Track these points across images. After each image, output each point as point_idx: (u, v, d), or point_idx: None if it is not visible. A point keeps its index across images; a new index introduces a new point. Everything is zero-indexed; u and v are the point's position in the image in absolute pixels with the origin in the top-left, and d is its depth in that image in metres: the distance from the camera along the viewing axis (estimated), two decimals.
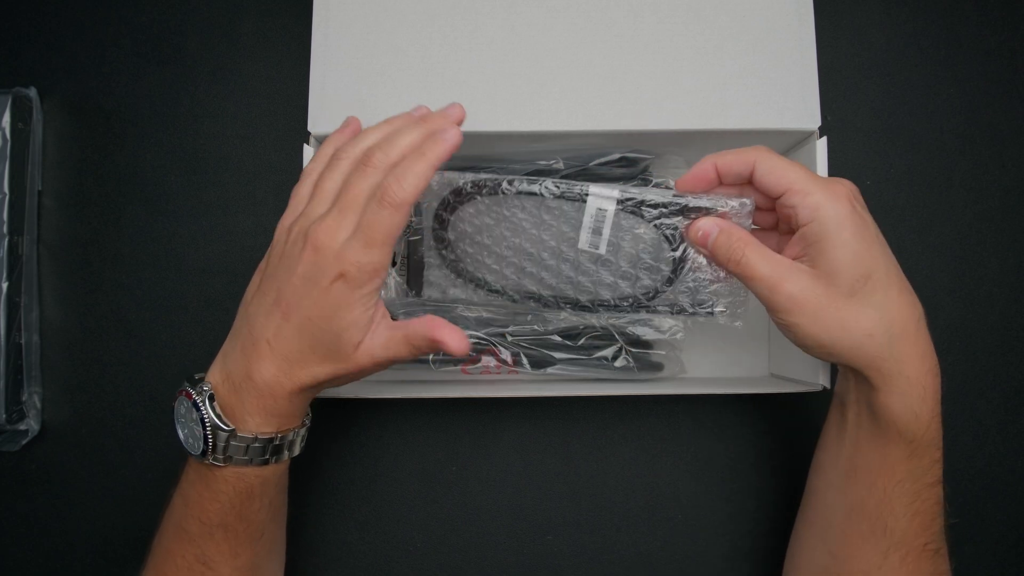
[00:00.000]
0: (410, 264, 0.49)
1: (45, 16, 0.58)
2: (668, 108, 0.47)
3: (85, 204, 0.57)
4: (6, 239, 0.53)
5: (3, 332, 0.52)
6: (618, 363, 0.52)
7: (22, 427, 0.54)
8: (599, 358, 0.52)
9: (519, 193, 0.42)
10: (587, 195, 0.41)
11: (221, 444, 0.38)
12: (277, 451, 0.39)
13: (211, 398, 0.38)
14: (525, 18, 0.48)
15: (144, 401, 0.55)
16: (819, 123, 0.46)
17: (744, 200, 0.40)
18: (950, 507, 0.41)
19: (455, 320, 0.52)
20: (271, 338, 0.37)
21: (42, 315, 0.56)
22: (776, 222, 0.42)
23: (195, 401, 0.38)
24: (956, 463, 0.54)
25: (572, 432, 0.55)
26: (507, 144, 0.50)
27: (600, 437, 0.55)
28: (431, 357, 0.52)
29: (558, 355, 0.52)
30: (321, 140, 0.47)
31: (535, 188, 0.42)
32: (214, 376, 0.39)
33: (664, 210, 0.41)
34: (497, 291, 0.48)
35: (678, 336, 0.52)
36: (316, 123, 0.47)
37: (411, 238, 0.48)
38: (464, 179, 0.43)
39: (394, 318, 0.52)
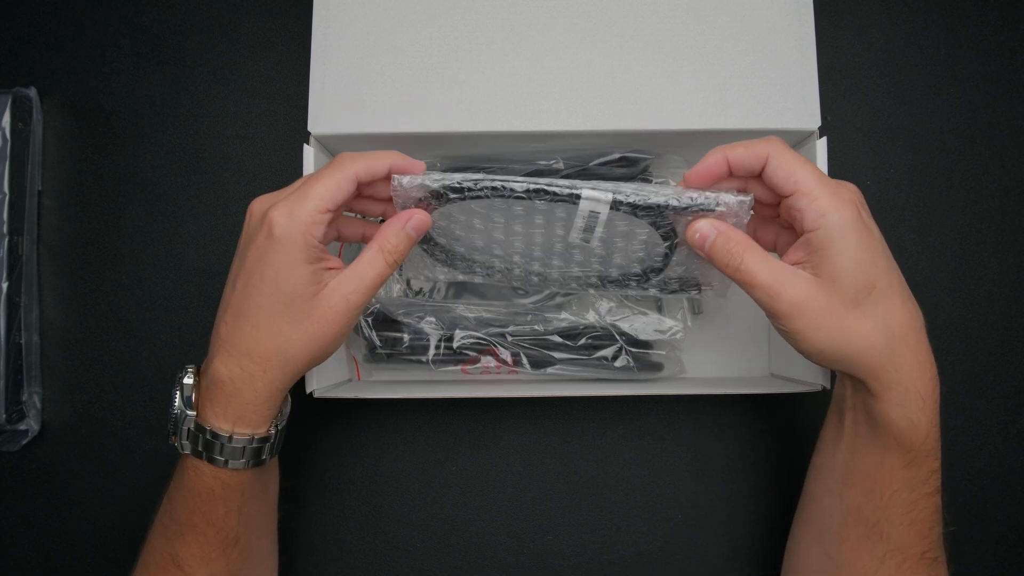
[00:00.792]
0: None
1: (45, 16, 0.58)
2: (668, 108, 0.47)
3: (85, 204, 0.57)
4: (6, 239, 0.53)
5: (3, 332, 0.52)
6: (618, 363, 0.52)
7: (22, 427, 0.54)
8: (599, 358, 0.52)
9: (509, 197, 0.40)
10: (579, 198, 0.39)
11: (183, 428, 0.39)
12: (231, 453, 0.38)
13: (192, 381, 0.40)
14: (525, 18, 0.48)
15: (144, 401, 0.55)
16: (819, 123, 0.46)
17: (743, 198, 0.38)
18: (949, 515, 0.41)
19: (455, 320, 0.52)
20: (228, 319, 0.38)
21: (42, 315, 0.56)
22: (776, 215, 0.41)
23: (179, 377, 0.40)
24: (956, 463, 0.54)
25: (572, 432, 0.55)
26: (507, 144, 0.50)
27: (600, 437, 0.55)
28: (431, 356, 0.52)
29: (558, 355, 0.52)
30: (321, 140, 0.47)
31: (523, 194, 0.39)
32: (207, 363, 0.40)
33: (659, 211, 0.39)
34: (484, 274, 0.48)
35: (678, 336, 0.52)
36: (316, 123, 0.47)
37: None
38: (446, 181, 0.40)
39: (394, 317, 0.52)
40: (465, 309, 0.52)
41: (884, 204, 0.56)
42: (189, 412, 0.39)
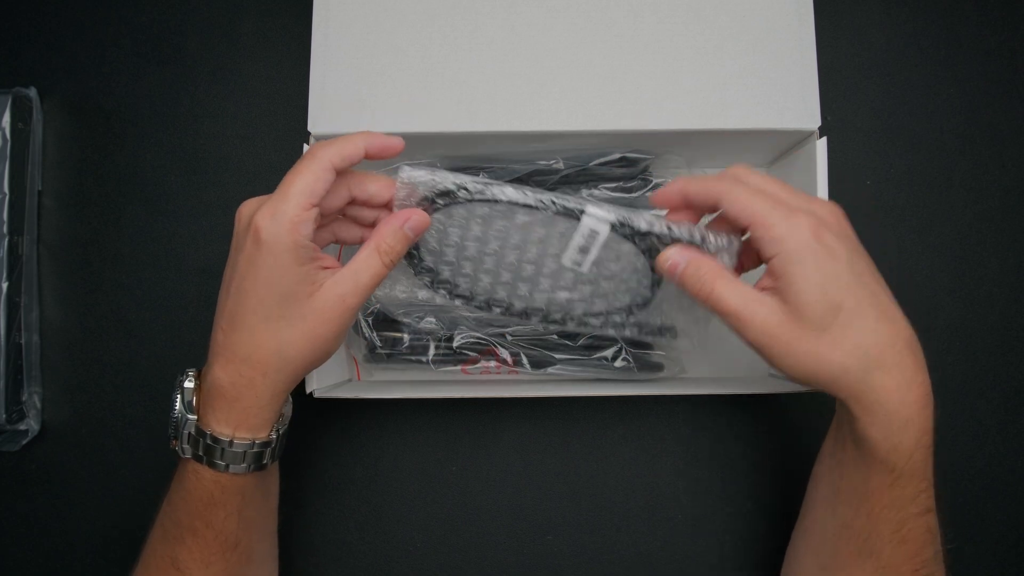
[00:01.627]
0: None
1: (45, 16, 0.58)
2: (668, 108, 0.47)
3: (85, 204, 0.57)
4: (6, 239, 0.53)
5: (3, 332, 0.52)
6: (618, 363, 0.52)
7: (22, 427, 0.54)
8: (599, 358, 0.52)
9: (509, 203, 0.40)
10: (583, 213, 0.39)
11: (184, 432, 0.39)
12: (232, 457, 0.38)
13: (193, 385, 0.39)
14: (525, 18, 0.48)
15: (144, 401, 0.55)
16: (819, 123, 0.46)
17: (731, 238, 0.39)
18: (947, 532, 0.40)
19: (455, 320, 0.52)
20: (224, 326, 0.38)
21: (42, 315, 0.56)
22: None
23: (179, 381, 0.39)
24: (956, 463, 0.54)
25: (572, 432, 0.55)
26: (507, 144, 0.50)
27: (600, 437, 0.55)
28: (431, 356, 0.52)
29: (558, 355, 0.52)
30: (321, 140, 0.47)
31: (530, 201, 0.39)
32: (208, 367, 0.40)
33: (655, 240, 0.39)
34: (464, 296, 0.46)
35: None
36: (316, 123, 0.47)
37: None
38: (458, 181, 0.40)
39: (394, 317, 0.52)
40: (465, 309, 0.52)
41: (884, 204, 0.56)
42: (190, 416, 0.39)
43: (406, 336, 0.52)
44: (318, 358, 0.39)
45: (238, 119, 0.57)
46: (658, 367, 0.53)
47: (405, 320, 0.52)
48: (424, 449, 0.55)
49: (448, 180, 0.39)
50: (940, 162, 0.57)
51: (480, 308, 0.46)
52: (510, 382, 0.52)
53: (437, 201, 0.40)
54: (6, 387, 0.52)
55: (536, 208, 0.39)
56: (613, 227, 0.39)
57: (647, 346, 0.52)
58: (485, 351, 0.52)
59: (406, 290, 0.47)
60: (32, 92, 0.56)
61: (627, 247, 0.40)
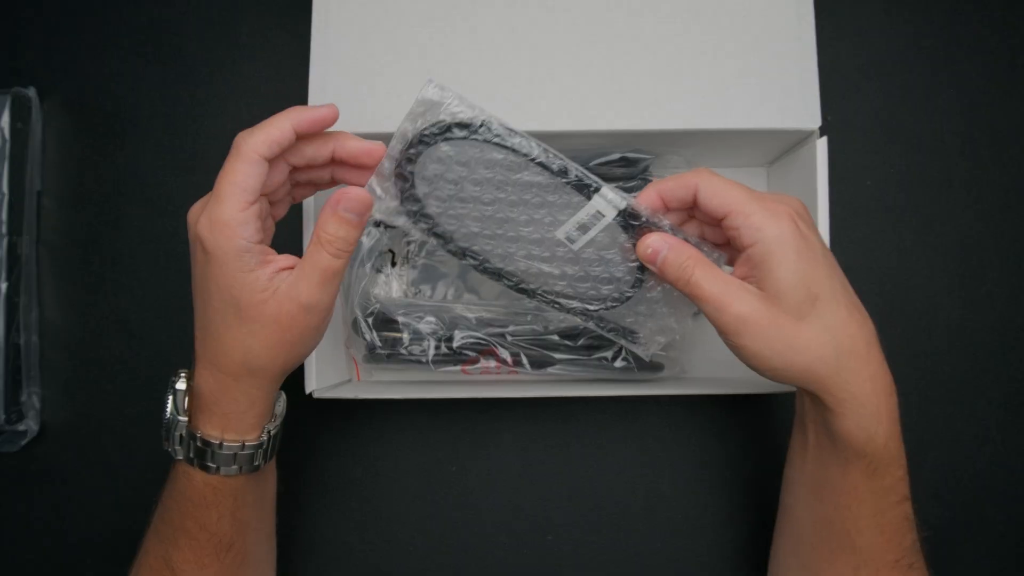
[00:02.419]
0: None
1: (45, 16, 0.58)
2: (668, 108, 0.47)
3: (85, 204, 0.57)
4: (6, 239, 0.53)
5: (2, 332, 0.52)
6: (618, 363, 0.52)
7: (21, 427, 0.54)
8: (599, 358, 0.52)
9: (527, 158, 0.38)
10: (596, 192, 0.39)
11: (175, 434, 0.38)
12: (222, 460, 0.38)
13: (185, 387, 0.39)
14: (525, 18, 0.48)
15: (144, 401, 0.55)
16: (819, 123, 0.46)
17: (721, 255, 0.39)
18: (921, 520, 0.40)
19: (455, 320, 0.52)
20: (198, 332, 0.38)
21: (42, 315, 0.56)
22: (727, 239, 0.41)
23: (171, 382, 0.39)
24: (956, 463, 0.54)
25: (572, 432, 0.55)
26: None
27: (600, 437, 0.55)
28: (431, 356, 0.52)
29: (558, 355, 0.52)
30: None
31: (552, 163, 0.38)
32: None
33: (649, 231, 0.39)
34: (443, 237, 0.43)
35: (677, 336, 0.52)
36: None
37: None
38: (474, 114, 0.37)
39: (394, 317, 0.52)
40: (465, 309, 0.52)
41: (884, 204, 0.56)
42: (180, 418, 0.38)
43: (406, 336, 0.52)
44: (291, 362, 0.38)
45: (238, 119, 0.57)
46: (658, 367, 0.53)
47: (405, 320, 0.52)
48: (424, 449, 0.55)
49: (474, 112, 0.37)
50: (940, 162, 0.57)
51: (453, 253, 0.43)
52: (510, 382, 0.52)
53: (453, 130, 0.38)
54: (5, 387, 0.52)
55: (554, 172, 0.38)
56: (620, 214, 0.39)
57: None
58: (485, 351, 0.52)
59: (385, 216, 0.42)
60: (31, 92, 0.56)
61: (623, 238, 0.40)
